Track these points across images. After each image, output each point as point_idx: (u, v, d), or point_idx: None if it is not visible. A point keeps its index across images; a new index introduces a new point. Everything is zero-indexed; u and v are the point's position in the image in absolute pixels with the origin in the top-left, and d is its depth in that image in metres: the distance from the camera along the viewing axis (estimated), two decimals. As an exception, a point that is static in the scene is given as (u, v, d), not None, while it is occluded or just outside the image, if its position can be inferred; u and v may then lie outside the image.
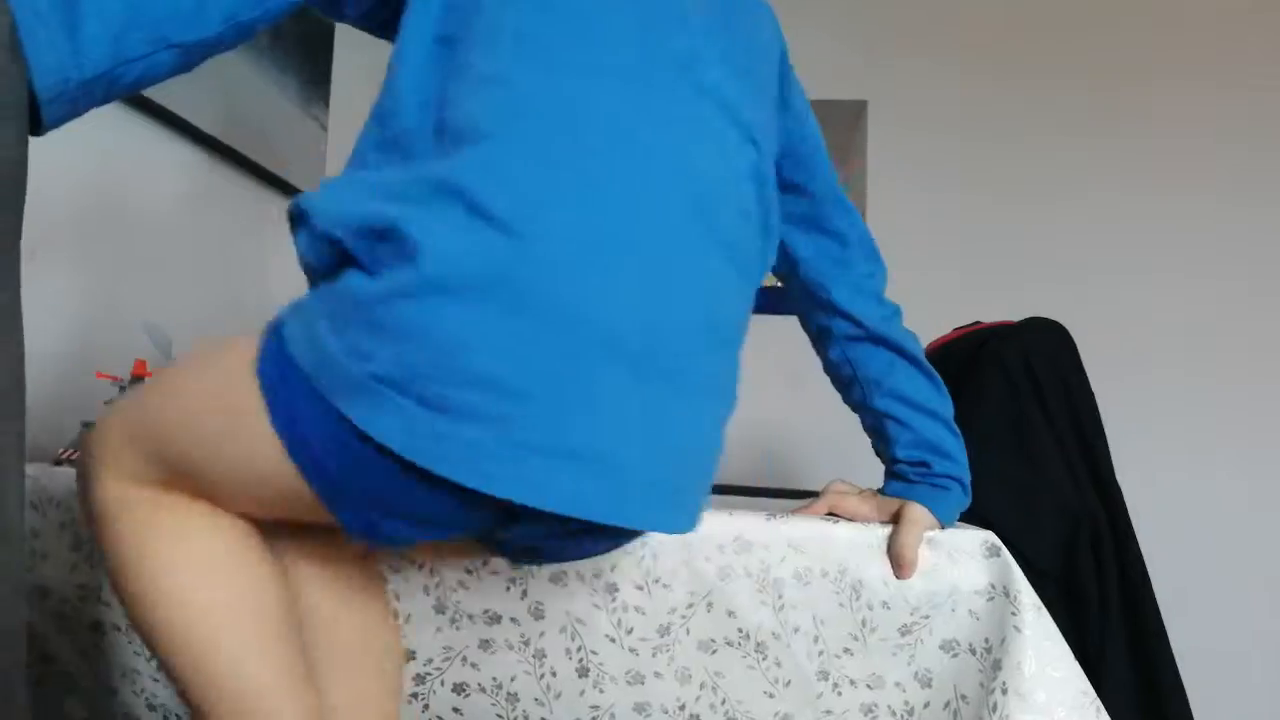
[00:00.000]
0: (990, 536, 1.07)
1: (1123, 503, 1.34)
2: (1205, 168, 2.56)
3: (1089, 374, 1.47)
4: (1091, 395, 1.40)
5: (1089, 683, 1.00)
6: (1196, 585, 2.31)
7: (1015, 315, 1.56)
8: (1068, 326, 1.49)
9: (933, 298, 2.44)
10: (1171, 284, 2.54)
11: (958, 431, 1.09)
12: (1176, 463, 2.46)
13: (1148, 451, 2.38)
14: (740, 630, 1.09)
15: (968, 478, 1.08)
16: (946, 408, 1.10)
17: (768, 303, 2.63)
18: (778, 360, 2.59)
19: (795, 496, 2.00)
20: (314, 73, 1.93)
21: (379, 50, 2.15)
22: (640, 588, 1.10)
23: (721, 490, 2.33)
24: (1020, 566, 1.29)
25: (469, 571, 1.11)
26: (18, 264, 0.54)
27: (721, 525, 1.10)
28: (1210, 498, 2.45)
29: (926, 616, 1.07)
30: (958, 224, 2.61)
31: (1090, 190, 2.59)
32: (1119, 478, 1.38)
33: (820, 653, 1.09)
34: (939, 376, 1.10)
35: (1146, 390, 2.48)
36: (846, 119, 2.80)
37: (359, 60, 2.07)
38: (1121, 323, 2.52)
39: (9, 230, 0.53)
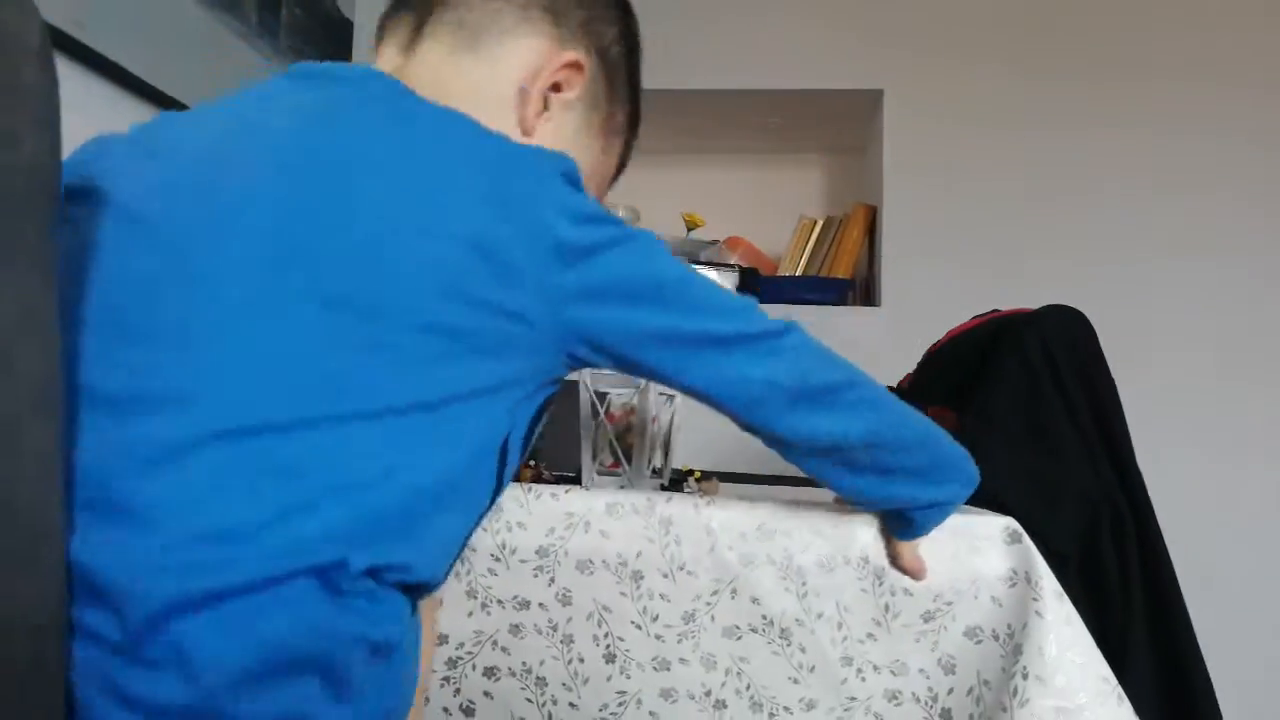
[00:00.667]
0: (1011, 523, 1.09)
1: (1144, 489, 1.35)
2: (1229, 160, 2.55)
3: (1109, 362, 1.48)
4: (1111, 382, 1.41)
5: (1110, 669, 1.01)
6: (1220, 573, 2.32)
7: (1035, 305, 1.57)
8: (1088, 315, 1.50)
9: (952, 287, 2.45)
10: (1195, 272, 2.53)
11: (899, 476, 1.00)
12: (1198, 452, 2.46)
13: (1169, 440, 2.38)
14: (764, 617, 1.11)
15: (939, 494, 1.02)
16: (883, 488, 1.00)
17: (778, 292, 2.66)
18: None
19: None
20: (329, 55, 1.95)
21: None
22: (665, 575, 1.12)
23: (743, 479, 2.34)
24: (1044, 553, 1.30)
25: (497, 559, 1.14)
26: (52, 269, 0.56)
27: (744, 514, 1.12)
28: (1232, 485, 2.45)
29: (949, 603, 1.09)
30: (977, 213, 2.61)
31: (1114, 180, 2.58)
32: (1140, 466, 1.39)
33: (844, 639, 1.10)
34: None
35: (1169, 379, 2.48)
36: (863, 108, 2.80)
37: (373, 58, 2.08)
38: (1143, 311, 2.52)
39: (40, 234, 0.55)
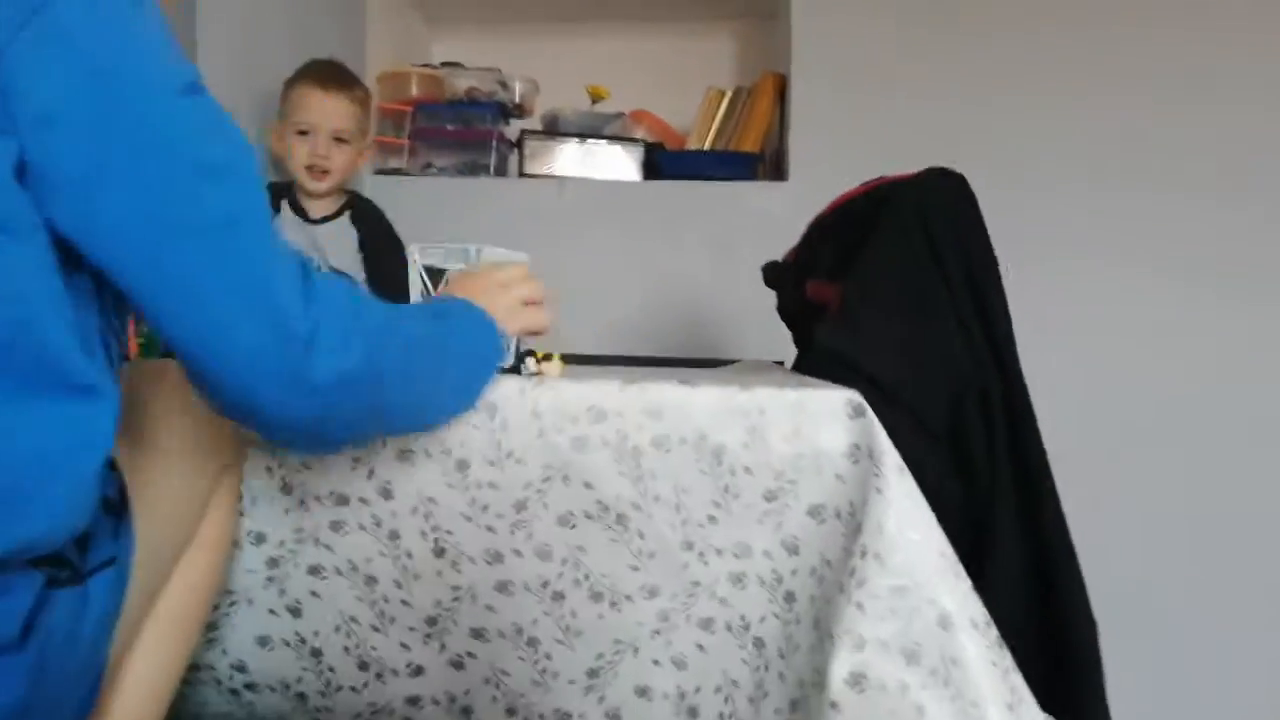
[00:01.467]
0: (855, 396, 1.02)
1: (1017, 368, 1.28)
2: (1138, 65, 2.44)
3: (1014, 236, 1.40)
4: (989, 249, 1.33)
5: (950, 545, 0.95)
6: (1089, 451, 2.29)
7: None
8: (992, 190, 1.40)
9: (862, 159, 2.33)
10: (1103, 136, 2.44)
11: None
12: (1078, 333, 2.41)
13: (1053, 323, 2.33)
14: (599, 502, 1.04)
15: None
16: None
17: (684, 167, 2.55)
18: (702, 227, 2.51)
19: (716, 365, 1.95)
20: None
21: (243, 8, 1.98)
22: (493, 463, 1.04)
23: (641, 361, 2.27)
24: (911, 424, 1.24)
25: (312, 452, 1.05)
26: None
27: (575, 394, 1.04)
28: (1107, 368, 2.42)
29: (792, 481, 1.02)
30: (889, 81, 2.48)
31: (1030, 43, 2.46)
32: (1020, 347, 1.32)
33: (684, 522, 1.04)
34: None
35: (1074, 255, 2.42)
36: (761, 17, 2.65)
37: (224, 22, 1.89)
38: (1052, 183, 2.43)
39: None
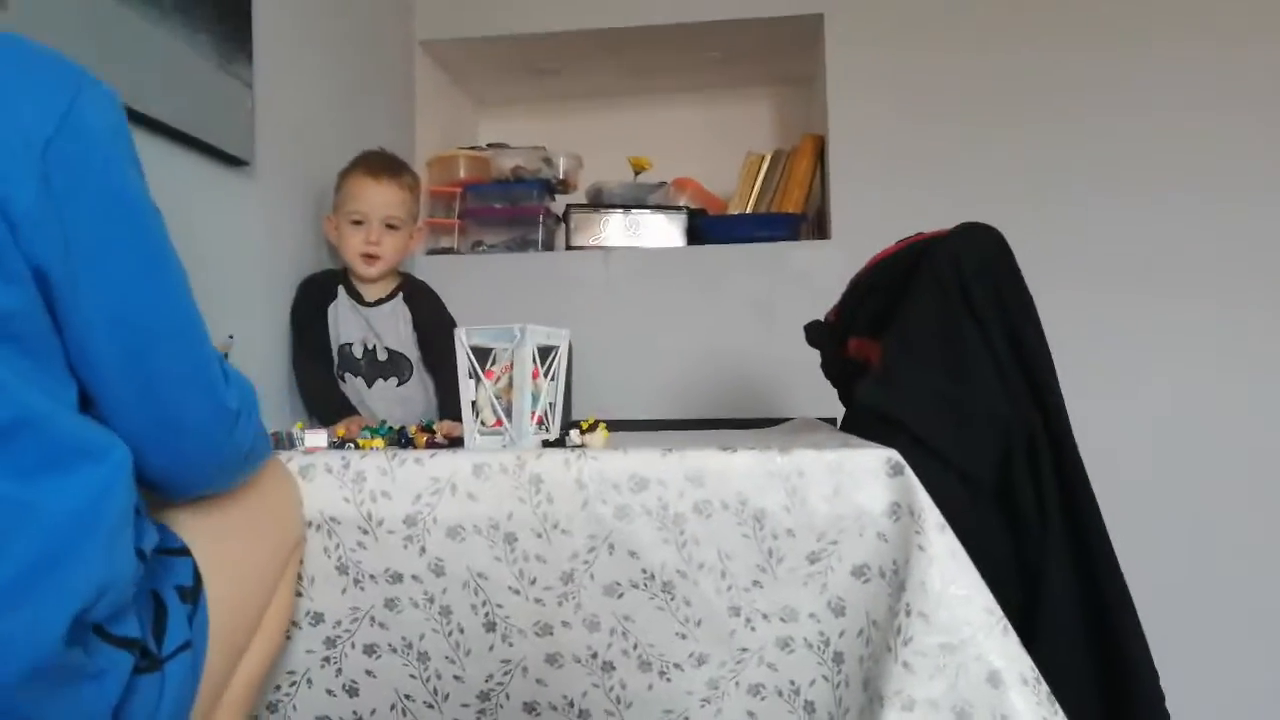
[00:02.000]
0: (893, 454, 1.02)
1: (1063, 413, 1.28)
2: (1180, 79, 2.43)
3: (1053, 288, 1.40)
4: (1028, 301, 1.32)
5: (995, 600, 0.95)
6: (1141, 497, 2.24)
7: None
8: (1034, 240, 1.41)
9: (904, 215, 2.35)
10: (1140, 197, 2.42)
11: None
12: (1125, 377, 2.38)
13: (1098, 366, 2.30)
14: (644, 571, 1.05)
15: None
16: None
17: (727, 231, 2.58)
18: (747, 289, 2.53)
19: (764, 425, 1.96)
20: (229, 30, 1.87)
21: (301, 6, 2.10)
22: (539, 535, 1.06)
23: (691, 425, 2.29)
24: (957, 479, 1.24)
25: (364, 531, 1.08)
26: None
27: (616, 464, 1.06)
28: (1152, 411, 2.37)
29: (834, 542, 1.03)
30: (926, 137, 2.50)
31: (1057, 100, 2.47)
32: (1067, 393, 1.31)
33: (729, 588, 1.05)
34: None
35: (1102, 305, 2.39)
36: (805, 34, 2.70)
37: (277, 18, 2.01)
38: (1090, 237, 2.42)
39: None
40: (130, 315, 0.74)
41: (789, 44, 2.76)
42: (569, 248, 2.72)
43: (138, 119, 1.59)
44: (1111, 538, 1.21)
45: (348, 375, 1.94)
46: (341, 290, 1.97)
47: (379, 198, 1.91)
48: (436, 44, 2.80)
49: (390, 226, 1.92)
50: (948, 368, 1.32)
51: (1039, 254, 1.48)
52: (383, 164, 1.95)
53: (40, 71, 0.70)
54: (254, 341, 1.87)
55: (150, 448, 0.78)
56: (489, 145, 2.88)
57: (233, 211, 1.86)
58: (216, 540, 0.90)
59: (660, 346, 2.55)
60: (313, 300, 1.95)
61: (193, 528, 0.87)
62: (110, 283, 0.72)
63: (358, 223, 1.91)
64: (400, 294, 1.98)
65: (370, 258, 1.91)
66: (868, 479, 1.02)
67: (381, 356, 1.94)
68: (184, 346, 0.78)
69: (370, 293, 1.97)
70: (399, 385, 1.94)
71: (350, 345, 1.94)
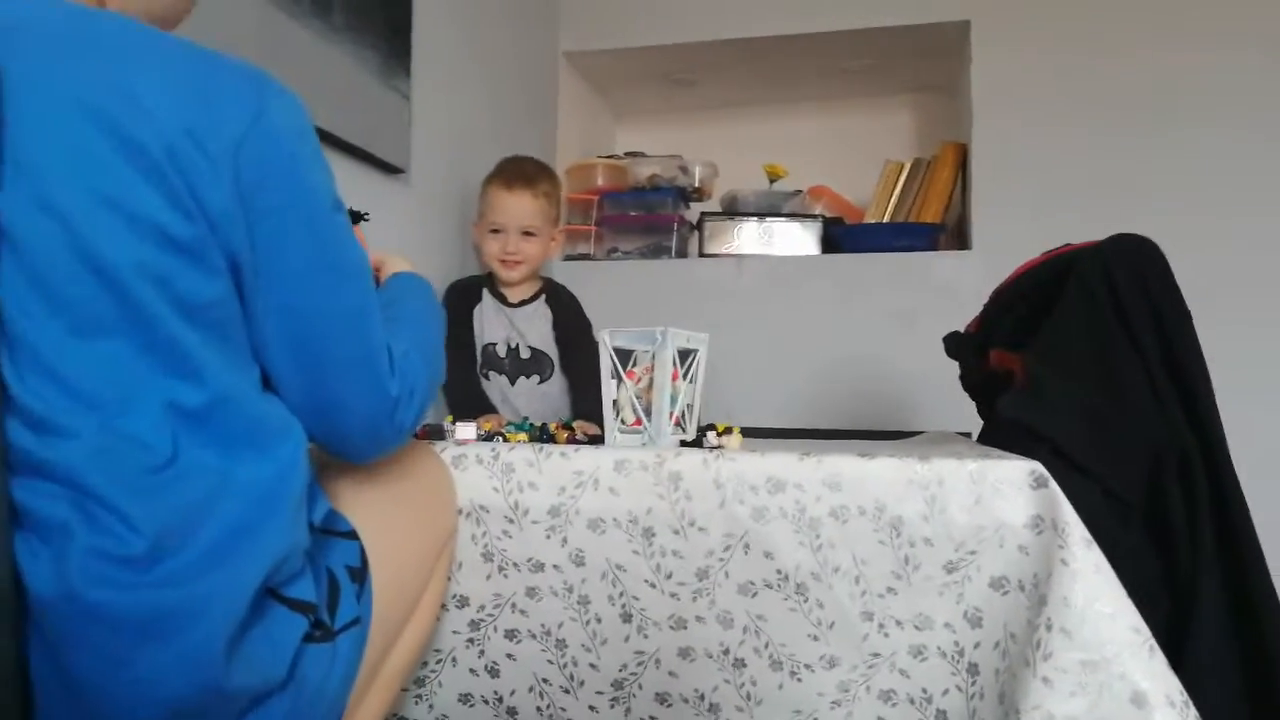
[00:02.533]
0: (1037, 466, 1.01)
1: (1219, 433, 1.23)
2: None
3: (1207, 301, 1.35)
4: (1185, 315, 1.28)
5: (1141, 619, 0.93)
6: None
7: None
8: (1186, 251, 1.37)
9: (1047, 226, 2.29)
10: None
11: None
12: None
13: (1259, 383, 2.19)
14: (779, 572, 1.07)
15: None
16: None
17: (863, 240, 2.56)
18: (883, 298, 2.51)
19: (897, 437, 1.94)
20: (393, 47, 1.97)
21: (454, 24, 2.18)
22: (677, 532, 1.09)
23: (823, 434, 2.28)
24: (1101, 496, 1.21)
25: (510, 520, 1.13)
26: None
27: (753, 465, 1.08)
28: None
29: (973, 552, 1.02)
30: (1073, 147, 2.44)
31: (1215, 107, 2.37)
32: (1225, 409, 1.27)
33: (863, 593, 1.05)
34: None
35: (1263, 321, 2.27)
36: (949, 42, 2.66)
37: (435, 34, 2.10)
38: (1244, 249, 2.31)
39: None
40: (301, 304, 0.79)
41: (931, 51, 2.73)
42: (702, 255, 2.75)
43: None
44: (1269, 562, 1.17)
45: (491, 374, 2.01)
46: (486, 293, 2.05)
47: (514, 208, 1.99)
48: (579, 55, 2.87)
49: (527, 234, 1.99)
50: (1097, 383, 1.29)
51: (1195, 268, 1.43)
52: (518, 174, 2.03)
53: (233, 79, 0.76)
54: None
55: (315, 424, 0.84)
56: (626, 154, 2.94)
57: (389, 216, 1.96)
58: (381, 528, 0.96)
59: (792, 354, 2.55)
60: (459, 303, 2.04)
61: (360, 515, 0.93)
62: (286, 273, 0.78)
63: (496, 230, 1.99)
64: (542, 296, 2.05)
65: (510, 263, 1.98)
66: (1010, 490, 1.01)
67: (524, 355, 2.01)
68: (351, 335, 0.83)
69: (514, 294, 2.04)
70: (540, 382, 2.00)
71: (494, 345, 2.02)
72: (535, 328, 2.03)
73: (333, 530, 0.89)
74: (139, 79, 0.70)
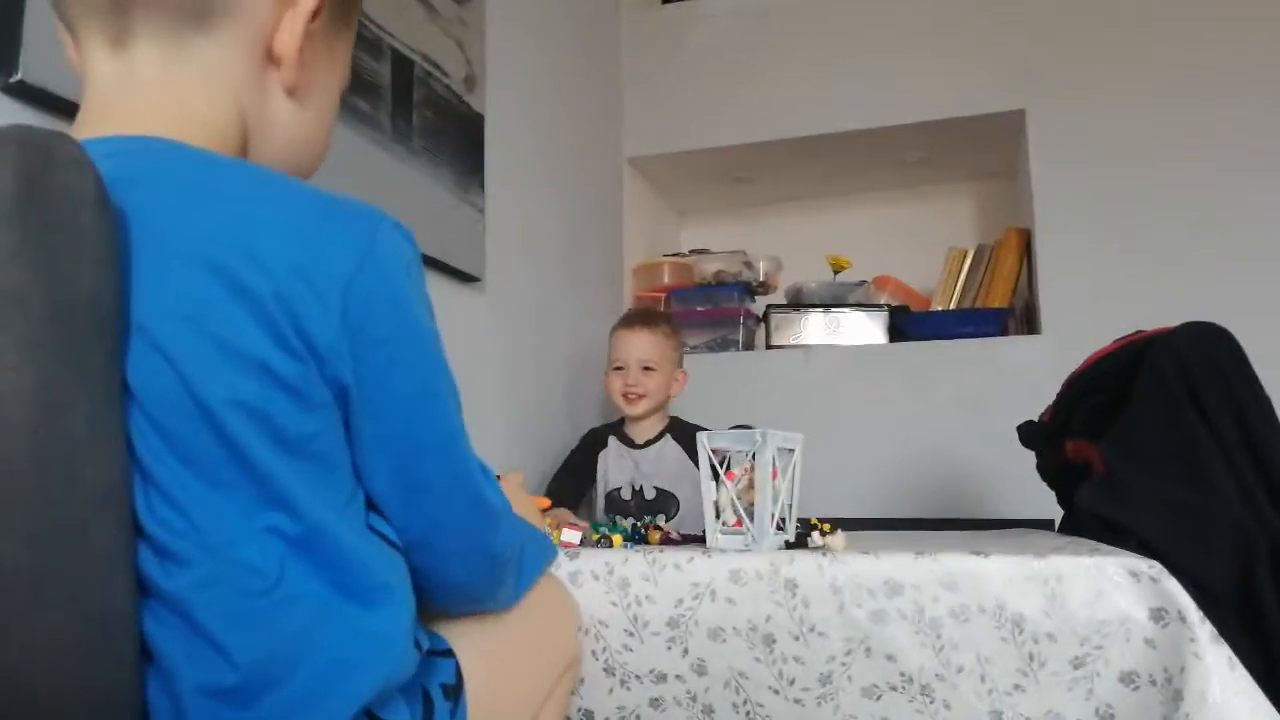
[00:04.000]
0: (1154, 564, 1.02)
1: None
2: None
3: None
4: (1266, 402, 1.28)
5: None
6: None
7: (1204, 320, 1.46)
8: (1253, 336, 1.38)
9: (1117, 308, 2.30)
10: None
11: None
12: None
13: None
14: (902, 674, 1.08)
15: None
16: None
17: (930, 328, 2.58)
18: (952, 385, 2.52)
19: (974, 527, 1.94)
20: (467, 163, 2.07)
21: (524, 138, 2.29)
22: (797, 638, 1.11)
23: (902, 525, 2.28)
24: (1193, 592, 1.20)
25: (630, 633, 1.15)
26: (118, 389, 0.66)
27: (868, 568, 1.09)
28: None
29: (1099, 647, 1.03)
30: (1132, 229, 2.46)
31: (1270, 196, 2.38)
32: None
33: (989, 691, 1.06)
34: None
35: None
36: (1006, 131, 2.72)
37: (506, 149, 2.20)
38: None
39: (107, 359, 0.64)
40: (402, 432, 0.80)
41: (988, 140, 2.78)
42: (769, 347, 2.79)
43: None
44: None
45: (616, 519, 2.07)
46: (613, 439, 2.19)
47: (633, 344, 2.16)
48: (642, 160, 2.97)
49: (647, 369, 2.09)
50: (1177, 472, 1.29)
51: (1271, 355, 1.42)
52: (638, 315, 2.26)
53: (344, 218, 0.77)
54: (481, 439, 2.02)
55: (418, 547, 0.84)
56: (691, 251, 3.01)
57: (466, 321, 2.04)
58: (483, 648, 0.95)
59: (863, 444, 2.56)
60: (588, 442, 2.21)
61: (461, 635, 0.93)
62: (389, 404, 0.79)
63: (619, 369, 2.13)
64: (668, 434, 2.13)
65: (630, 398, 2.08)
66: (1129, 584, 1.02)
67: (649, 495, 2.10)
68: (447, 458, 0.84)
69: (639, 434, 2.16)
70: (666, 521, 2.04)
71: (619, 490, 2.12)
72: (662, 468, 2.13)
73: (434, 651, 0.90)
74: (256, 228, 0.72)
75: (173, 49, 0.77)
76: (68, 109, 0.84)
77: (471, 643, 0.94)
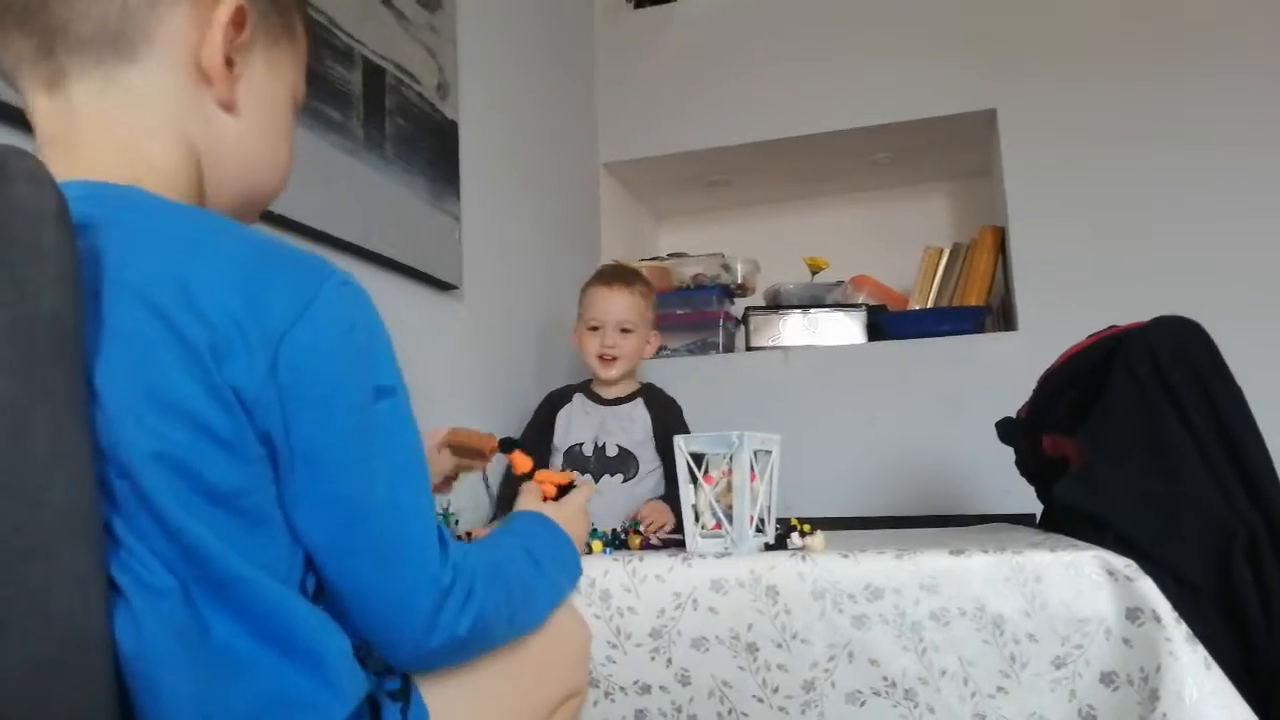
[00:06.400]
0: (1130, 564, 1.03)
1: (1282, 510, 1.24)
2: None
3: (1256, 376, 1.37)
4: (1237, 393, 1.29)
5: (1256, 716, 0.93)
6: None
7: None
8: (1225, 329, 1.39)
9: (1093, 304, 2.31)
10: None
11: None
12: None
13: None
14: (885, 679, 1.08)
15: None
16: None
17: (908, 327, 2.60)
18: (931, 383, 2.53)
19: (955, 524, 1.94)
20: (441, 171, 2.06)
21: (499, 145, 2.28)
22: (780, 645, 1.11)
23: (885, 522, 2.28)
24: (1171, 583, 1.21)
25: (613, 645, 1.15)
26: (83, 408, 0.64)
27: (849, 573, 1.10)
28: None
29: (1079, 646, 1.03)
30: (1110, 225, 2.48)
31: (1242, 187, 2.41)
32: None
33: (973, 694, 1.06)
34: None
35: None
36: (978, 131, 2.73)
37: (481, 156, 2.19)
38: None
39: (70, 377, 0.62)
40: (335, 494, 0.76)
41: (960, 140, 2.80)
42: (749, 349, 2.80)
43: (366, 255, 1.77)
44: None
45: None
46: (578, 395, 2.13)
47: (612, 304, 2.08)
48: (618, 165, 2.97)
49: (625, 330, 2.05)
50: (1151, 464, 1.30)
51: (1242, 347, 1.43)
52: (615, 273, 2.15)
53: (287, 270, 0.74)
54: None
55: (356, 612, 0.80)
56: (669, 255, 3.02)
57: (445, 331, 2.03)
58: (457, 674, 0.92)
59: (844, 443, 2.57)
60: (546, 409, 2.14)
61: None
62: (318, 467, 0.75)
63: (595, 328, 2.07)
64: (641, 399, 2.10)
65: (606, 359, 2.04)
66: (1106, 583, 1.03)
67: (610, 453, 2.05)
68: (387, 526, 0.79)
69: (609, 393, 2.11)
70: (624, 481, 2.03)
71: (580, 445, 2.06)
72: (626, 428, 2.07)
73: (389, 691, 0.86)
74: (195, 272, 0.70)
75: (105, 84, 0.76)
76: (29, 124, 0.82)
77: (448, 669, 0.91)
